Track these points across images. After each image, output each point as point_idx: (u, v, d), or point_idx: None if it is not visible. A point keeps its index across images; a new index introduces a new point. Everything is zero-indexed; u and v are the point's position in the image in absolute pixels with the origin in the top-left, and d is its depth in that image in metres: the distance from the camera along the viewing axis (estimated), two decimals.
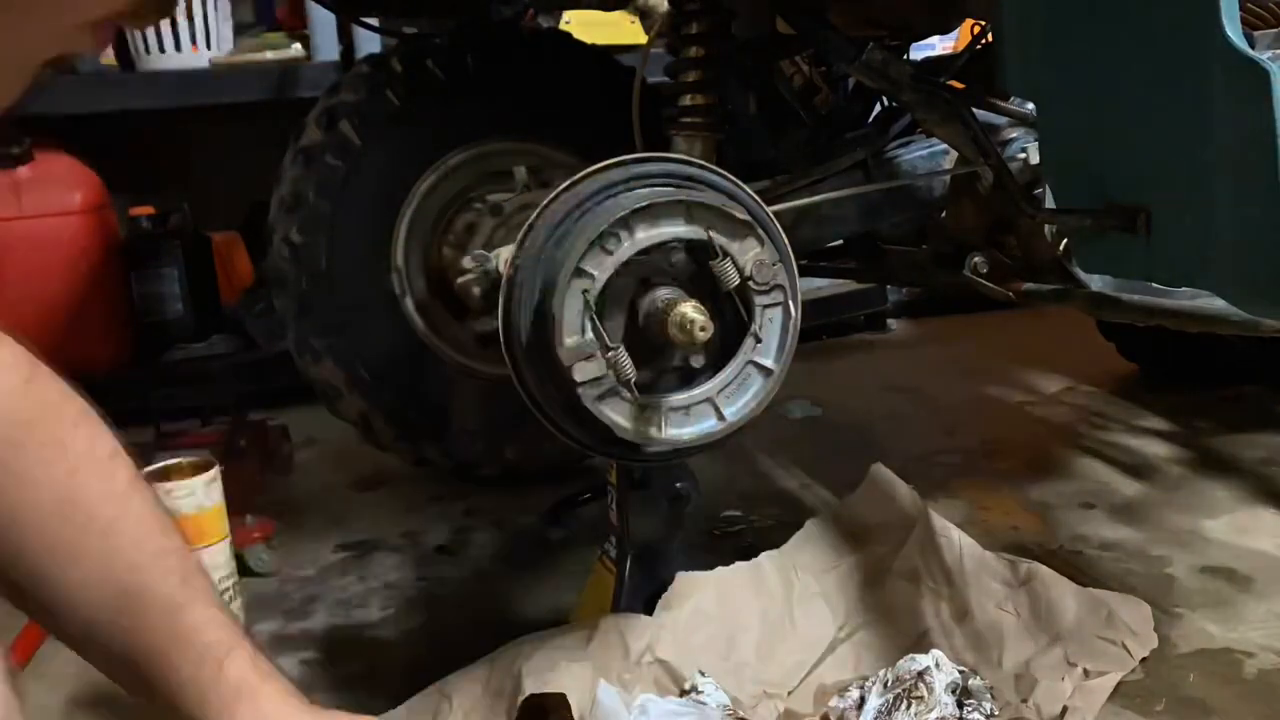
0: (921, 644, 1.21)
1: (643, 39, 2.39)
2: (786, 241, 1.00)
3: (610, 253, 0.92)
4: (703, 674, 1.13)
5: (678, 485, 1.19)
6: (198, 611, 0.73)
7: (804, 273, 0.96)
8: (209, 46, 2.55)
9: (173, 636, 0.73)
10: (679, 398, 0.96)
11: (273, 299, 1.84)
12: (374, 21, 2.15)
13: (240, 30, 2.77)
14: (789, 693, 1.17)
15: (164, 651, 0.73)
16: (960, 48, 1.58)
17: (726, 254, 0.94)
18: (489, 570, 1.65)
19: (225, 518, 1.28)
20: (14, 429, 0.70)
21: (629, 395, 0.93)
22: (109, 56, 2.67)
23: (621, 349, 0.90)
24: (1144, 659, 1.21)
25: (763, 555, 1.29)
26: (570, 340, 0.91)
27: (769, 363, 0.98)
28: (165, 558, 0.74)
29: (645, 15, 2.53)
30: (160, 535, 0.74)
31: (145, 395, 2.39)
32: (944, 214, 1.47)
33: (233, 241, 2.84)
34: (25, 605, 0.75)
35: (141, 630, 0.72)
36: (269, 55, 2.59)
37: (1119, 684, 1.16)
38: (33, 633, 1.46)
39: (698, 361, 0.97)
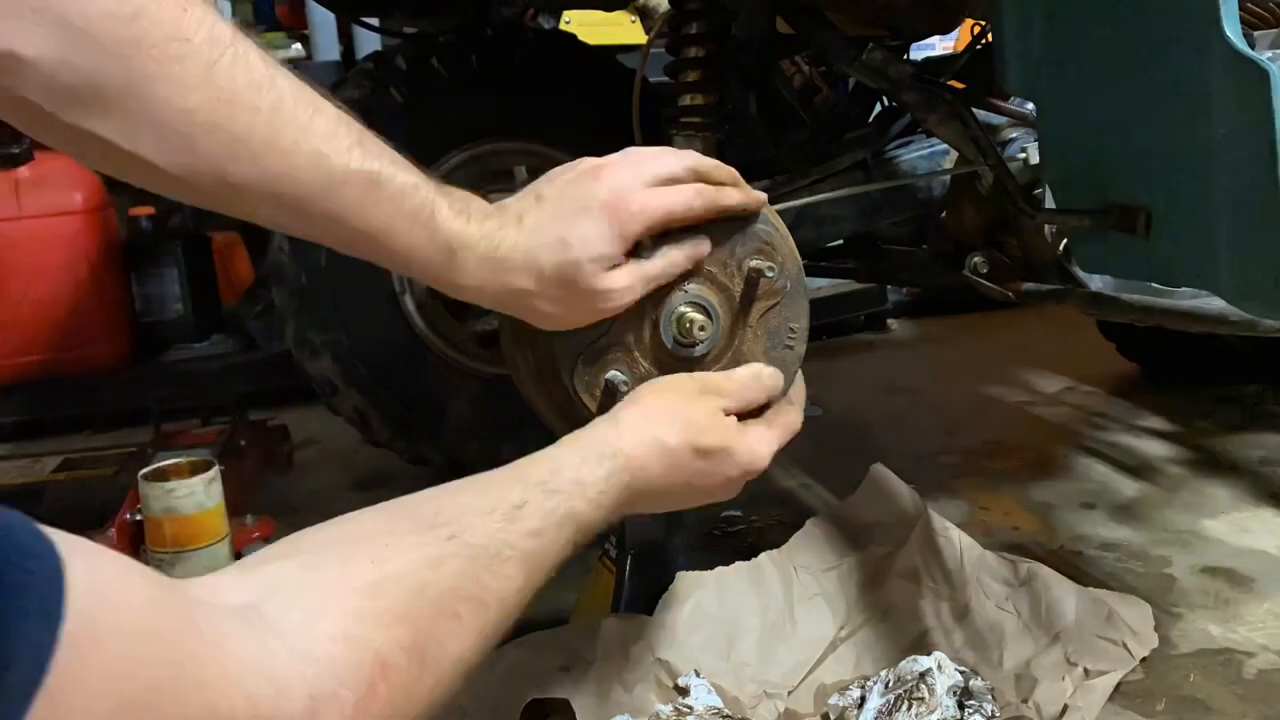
0: (922, 644, 1.21)
1: (643, 39, 2.39)
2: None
3: None
4: (697, 674, 1.13)
5: None
6: (392, 178, 0.74)
7: (805, 272, 0.96)
8: None
9: (378, 211, 0.74)
10: None
11: (272, 294, 1.84)
12: (374, 21, 2.15)
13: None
14: (789, 693, 1.17)
15: (379, 228, 0.74)
16: (960, 48, 1.58)
17: None
18: None
19: (225, 518, 1.28)
20: (124, 45, 0.62)
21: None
22: None
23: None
24: (1144, 659, 1.21)
25: (763, 555, 1.28)
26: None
27: None
28: (336, 134, 0.72)
29: (645, 15, 2.53)
30: (319, 109, 0.71)
31: (145, 395, 2.39)
32: (944, 214, 1.47)
33: (233, 241, 2.84)
34: (231, 209, 0.72)
35: (346, 213, 0.73)
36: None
37: (1119, 684, 1.16)
38: None
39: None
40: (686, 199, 0.84)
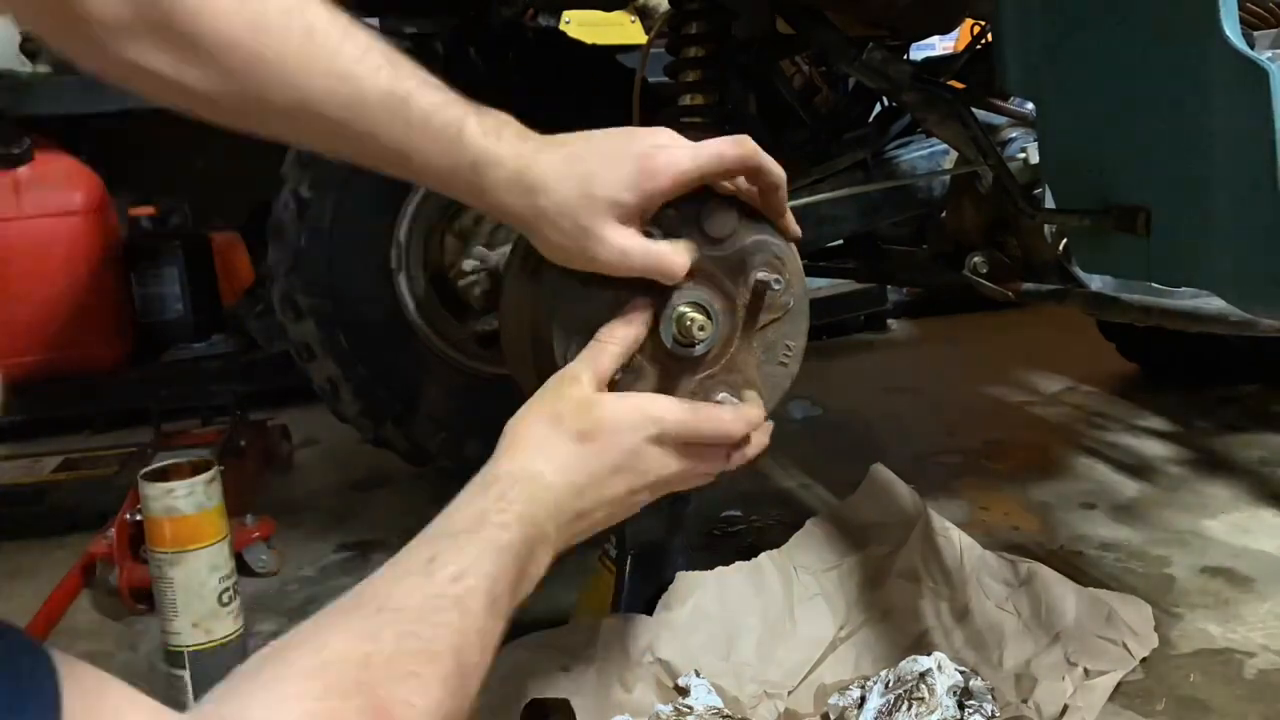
0: (922, 644, 1.21)
1: (643, 39, 2.39)
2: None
3: None
4: (697, 674, 1.13)
5: None
6: (421, 97, 0.79)
7: (804, 272, 0.96)
8: None
9: (408, 130, 0.78)
10: None
11: (268, 249, 1.81)
12: (374, 21, 2.15)
13: None
14: (789, 693, 1.17)
15: (409, 146, 0.79)
16: (960, 48, 1.58)
17: None
18: None
19: (225, 518, 1.28)
20: None
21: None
22: None
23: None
24: (1144, 659, 1.21)
25: (763, 555, 1.29)
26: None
27: None
28: (366, 57, 0.76)
29: (645, 15, 2.53)
30: (349, 34, 0.76)
31: (145, 395, 2.39)
32: (944, 214, 1.47)
33: (233, 241, 2.84)
34: (273, 132, 0.78)
35: (378, 132, 0.77)
36: None
37: (1119, 684, 1.16)
38: (36, 629, 1.47)
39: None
40: (716, 150, 0.84)
